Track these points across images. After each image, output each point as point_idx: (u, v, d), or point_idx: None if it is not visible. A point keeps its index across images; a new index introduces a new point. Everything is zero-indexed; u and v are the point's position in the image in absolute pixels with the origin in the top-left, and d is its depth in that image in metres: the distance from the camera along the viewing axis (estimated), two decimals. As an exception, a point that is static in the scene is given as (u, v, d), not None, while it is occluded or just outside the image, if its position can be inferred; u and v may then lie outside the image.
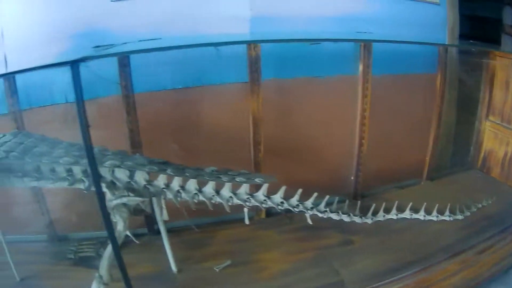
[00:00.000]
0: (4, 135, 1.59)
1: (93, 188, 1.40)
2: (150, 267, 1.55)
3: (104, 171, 1.40)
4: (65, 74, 1.84)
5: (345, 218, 1.63)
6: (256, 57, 1.61)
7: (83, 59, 1.03)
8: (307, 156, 1.78)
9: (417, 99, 2.00)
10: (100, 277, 1.37)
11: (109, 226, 1.18)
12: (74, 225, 1.80)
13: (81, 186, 1.44)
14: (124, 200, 1.36)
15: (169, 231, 1.61)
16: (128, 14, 1.76)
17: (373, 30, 1.85)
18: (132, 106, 1.60)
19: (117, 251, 1.22)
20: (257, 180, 1.44)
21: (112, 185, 1.40)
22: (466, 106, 2.45)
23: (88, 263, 1.65)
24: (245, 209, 1.50)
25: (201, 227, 1.71)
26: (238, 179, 1.42)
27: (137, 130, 1.61)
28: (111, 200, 1.37)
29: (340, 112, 1.82)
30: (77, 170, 1.44)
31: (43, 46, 1.83)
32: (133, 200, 1.37)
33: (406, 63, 1.93)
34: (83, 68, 1.74)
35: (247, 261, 1.58)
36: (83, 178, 1.42)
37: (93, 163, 1.10)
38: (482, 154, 2.56)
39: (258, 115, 1.67)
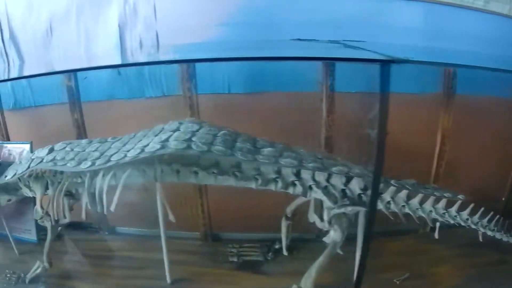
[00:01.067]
0: (181, 123, 1.43)
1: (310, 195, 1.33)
2: (330, 276, 1.50)
3: (319, 177, 1.34)
4: (229, 64, 1.72)
5: (505, 238, 1.70)
6: (453, 72, 1.61)
7: (397, 61, 0.96)
8: (466, 173, 1.83)
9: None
10: (301, 291, 1.31)
11: (368, 236, 1.13)
12: (232, 225, 1.69)
13: (290, 190, 1.35)
14: (348, 209, 1.30)
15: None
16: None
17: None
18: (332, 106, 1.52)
19: (364, 262, 1.17)
20: (460, 197, 1.46)
21: (326, 191, 1.34)
22: None
23: (255, 268, 1.55)
24: (437, 223, 1.52)
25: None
26: (446, 194, 1.42)
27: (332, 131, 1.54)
28: (331, 208, 1.31)
29: (500, 133, 1.89)
30: (287, 172, 1.35)
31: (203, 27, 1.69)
32: (355, 209, 1.31)
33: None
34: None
35: (422, 274, 1.58)
36: (295, 182, 1.33)
37: (379, 172, 1.04)
38: None
39: (447, 129, 1.68)
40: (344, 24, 1.70)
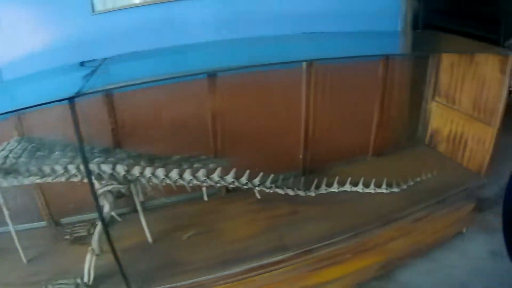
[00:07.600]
0: (8, 143, 1.91)
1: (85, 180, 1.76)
2: (132, 239, 1.95)
3: (92, 166, 1.76)
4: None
5: (290, 192, 1.96)
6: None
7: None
8: (263, 142, 2.23)
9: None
10: (92, 250, 1.75)
11: (99, 209, 1.62)
12: (68, 211, 2.19)
13: (75, 179, 1.80)
14: (109, 187, 1.75)
15: (147, 209, 2.03)
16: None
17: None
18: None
19: (106, 228, 1.62)
20: (211, 165, 1.81)
21: (99, 176, 1.77)
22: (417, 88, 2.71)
23: (82, 241, 2.03)
24: (204, 188, 1.87)
25: (174, 204, 2.13)
26: (195, 165, 1.80)
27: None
28: (99, 188, 1.76)
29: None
30: (71, 167, 1.78)
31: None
32: (116, 187, 1.76)
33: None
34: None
35: (210, 230, 1.97)
36: (76, 173, 1.77)
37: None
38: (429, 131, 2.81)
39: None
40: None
